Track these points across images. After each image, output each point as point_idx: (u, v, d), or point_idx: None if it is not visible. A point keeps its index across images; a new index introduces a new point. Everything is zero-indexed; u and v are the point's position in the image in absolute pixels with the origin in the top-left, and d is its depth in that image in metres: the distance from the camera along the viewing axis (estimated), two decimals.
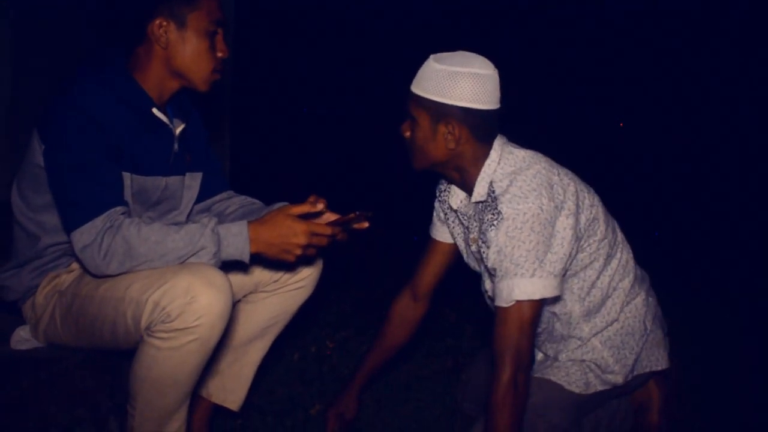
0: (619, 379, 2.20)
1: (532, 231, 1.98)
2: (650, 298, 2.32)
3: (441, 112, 2.05)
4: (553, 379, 2.19)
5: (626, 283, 2.24)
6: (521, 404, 1.99)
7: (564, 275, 2.10)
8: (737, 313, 4.51)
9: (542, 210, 1.98)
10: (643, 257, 2.38)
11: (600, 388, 2.20)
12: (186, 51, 2.08)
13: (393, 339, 2.56)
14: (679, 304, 3.87)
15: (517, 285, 1.98)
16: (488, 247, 2.05)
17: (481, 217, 2.13)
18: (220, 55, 2.13)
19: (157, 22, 2.04)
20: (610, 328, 2.22)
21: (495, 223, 2.02)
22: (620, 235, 2.28)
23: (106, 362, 2.31)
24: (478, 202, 2.14)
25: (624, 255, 2.26)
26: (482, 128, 2.07)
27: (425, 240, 2.47)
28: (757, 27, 9.88)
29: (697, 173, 9.80)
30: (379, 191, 7.21)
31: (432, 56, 2.07)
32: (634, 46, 11.31)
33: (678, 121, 11.00)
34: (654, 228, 7.24)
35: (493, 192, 2.06)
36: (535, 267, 1.98)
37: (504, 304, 2.00)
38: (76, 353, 2.22)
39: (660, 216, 7.86)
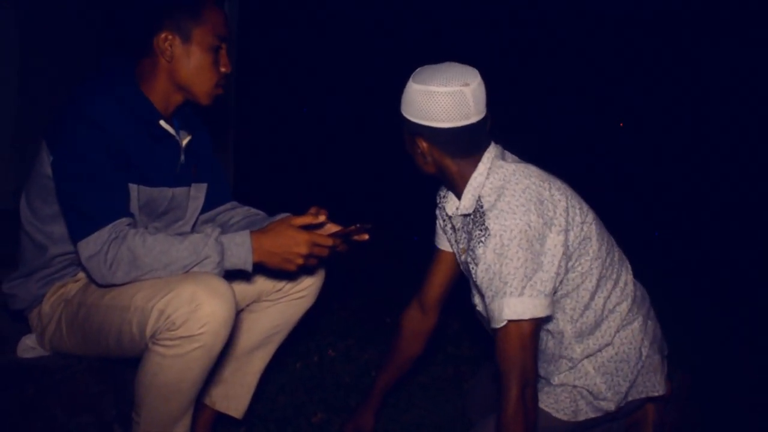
0: (611, 406, 2.17)
1: (520, 248, 1.95)
2: (649, 322, 2.27)
3: (412, 129, 2.07)
4: (541, 405, 2.16)
5: (624, 306, 2.20)
6: (531, 420, 1.97)
7: (555, 294, 2.08)
8: (738, 314, 4.52)
9: (530, 227, 1.96)
10: (642, 257, 2.36)
11: (591, 415, 2.17)
12: (190, 65, 2.11)
13: (405, 352, 2.56)
14: (678, 304, 3.89)
15: (507, 304, 1.95)
16: (476, 264, 2.03)
17: (469, 230, 2.12)
18: (223, 70, 2.16)
19: (163, 35, 2.07)
20: (603, 353, 2.18)
21: (483, 239, 2.00)
22: (618, 256, 2.24)
23: (110, 370, 2.34)
24: (465, 215, 2.14)
25: (623, 277, 2.22)
26: (454, 144, 2.04)
27: (431, 250, 2.47)
28: (757, 26, 9.89)
29: (697, 173, 9.80)
30: (381, 200, 7.23)
31: (415, 71, 2.06)
32: (634, 46, 11.33)
33: (678, 121, 11.00)
34: (654, 228, 7.23)
35: (482, 207, 2.05)
36: (524, 285, 1.95)
37: (497, 325, 1.98)
38: (81, 361, 2.24)
39: (660, 216, 7.85)
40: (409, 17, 10.41)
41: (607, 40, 11.38)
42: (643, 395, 2.23)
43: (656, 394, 2.24)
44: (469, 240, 2.10)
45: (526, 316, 1.95)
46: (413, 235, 3.36)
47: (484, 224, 2.01)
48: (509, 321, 1.96)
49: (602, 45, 11.39)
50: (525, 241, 1.95)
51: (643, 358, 2.20)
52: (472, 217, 2.10)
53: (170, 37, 2.08)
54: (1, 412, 1.99)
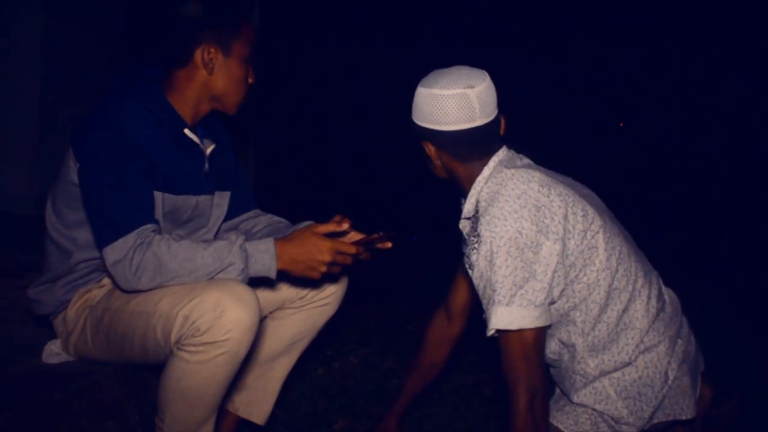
0: (633, 431, 2.07)
1: (509, 255, 1.89)
2: (679, 341, 2.14)
3: (420, 133, 2.06)
4: (561, 427, 2.10)
5: (644, 323, 2.07)
6: (543, 428, 1.93)
7: (557, 305, 2.02)
8: (738, 314, 4.50)
9: (521, 234, 1.90)
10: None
11: None
12: (229, 78, 2.13)
13: (430, 359, 2.55)
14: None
15: (494, 313, 1.90)
16: (472, 271, 2.01)
17: (468, 236, 2.10)
18: (250, 81, 2.19)
19: (207, 48, 2.09)
20: (625, 375, 2.07)
21: (476, 246, 1.97)
22: (638, 269, 2.11)
23: (135, 376, 2.35)
24: (468, 219, 2.11)
25: (644, 292, 2.09)
26: (460, 147, 2.02)
27: (458, 256, 2.43)
28: (757, 26, 9.87)
29: (698, 173, 9.77)
30: (404, 207, 7.25)
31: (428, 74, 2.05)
32: (635, 46, 11.32)
33: (678, 121, 10.98)
34: (654, 228, 7.20)
35: (477, 212, 2.01)
36: (512, 294, 1.89)
37: (488, 333, 1.93)
38: (105, 367, 2.26)
39: (660, 216, 7.83)
40: (428, 23, 10.44)
41: (608, 38, 11.38)
42: (670, 418, 2.12)
43: (684, 417, 2.12)
44: (466, 246, 2.09)
45: (514, 327, 1.89)
46: (439, 246, 3.35)
47: (476, 230, 1.98)
48: (508, 331, 1.91)
49: (603, 43, 11.39)
50: (515, 248, 1.90)
51: (670, 381, 2.09)
52: (471, 222, 2.08)
53: (213, 50, 2.10)
54: (27, 417, 2.00)
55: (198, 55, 2.10)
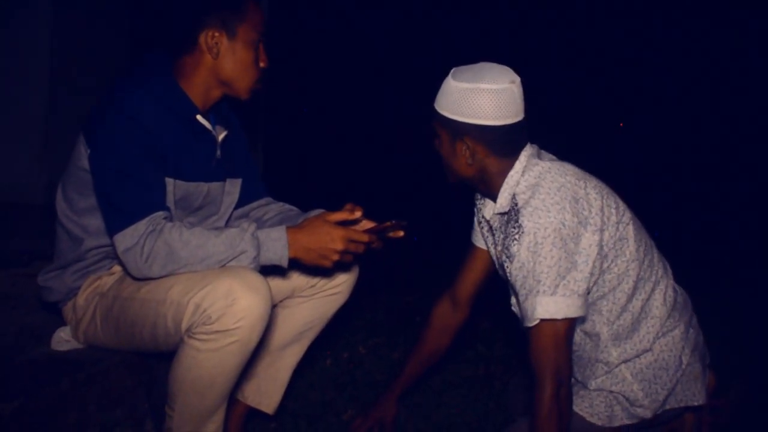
0: (647, 414, 2.12)
1: (554, 246, 1.91)
2: (691, 330, 2.21)
3: (457, 129, 2.04)
4: (576, 409, 2.13)
5: (663, 311, 2.14)
6: (566, 421, 1.95)
7: (590, 295, 2.05)
8: (739, 315, 4.48)
9: (564, 225, 1.93)
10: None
11: (626, 421, 2.13)
12: (235, 61, 2.11)
13: (432, 345, 2.54)
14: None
15: (540, 303, 1.92)
16: (510, 262, 2.01)
17: (504, 229, 2.10)
18: (262, 65, 2.17)
19: (210, 33, 2.08)
20: (642, 359, 2.14)
21: (517, 237, 1.97)
22: (657, 259, 2.19)
23: (144, 363, 2.35)
24: (501, 214, 2.12)
25: (663, 281, 2.17)
26: (500, 143, 2.03)
27: (466, 246, 2.44)
28: (757, 26, 9.84)
29: (698, 172, 9.74)
30: (413, 196, 7.23)
31: (452, 71, 2.05)
32: (634, 45, 11.28)
33: (678, 121, 10.95)
34: (654, 228, 7.19)
35: (516, 204, 2.02)
36: (557, 284, 1.92)
37: (530, 324, 1.95)
38: (115, 354, 2.25)
39: (660, 216, 7.82)
40: (434, 21, 10.44)
41: (607, 38, 11.35)
42: (682, 404, 2.17)
43: (695, 403, 2.18)
44: (505, 238, 2.08)
45: (559, 316, 1.92)
46: (446, 238, 3.34)
47: (518, 222, 1.99)
48: (543, 320, 1.93)
49: (603, 43, 11.36)
50: (559, 239, 1.92)
51: (683, 366, 2.15)
52: (507, 215, 2.08)
53: (216, 34, 2.09)
54: (35, 404, 1.99)
55: (202, 39, 2.09)
